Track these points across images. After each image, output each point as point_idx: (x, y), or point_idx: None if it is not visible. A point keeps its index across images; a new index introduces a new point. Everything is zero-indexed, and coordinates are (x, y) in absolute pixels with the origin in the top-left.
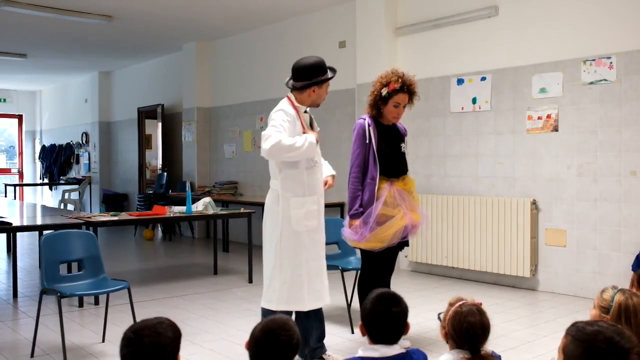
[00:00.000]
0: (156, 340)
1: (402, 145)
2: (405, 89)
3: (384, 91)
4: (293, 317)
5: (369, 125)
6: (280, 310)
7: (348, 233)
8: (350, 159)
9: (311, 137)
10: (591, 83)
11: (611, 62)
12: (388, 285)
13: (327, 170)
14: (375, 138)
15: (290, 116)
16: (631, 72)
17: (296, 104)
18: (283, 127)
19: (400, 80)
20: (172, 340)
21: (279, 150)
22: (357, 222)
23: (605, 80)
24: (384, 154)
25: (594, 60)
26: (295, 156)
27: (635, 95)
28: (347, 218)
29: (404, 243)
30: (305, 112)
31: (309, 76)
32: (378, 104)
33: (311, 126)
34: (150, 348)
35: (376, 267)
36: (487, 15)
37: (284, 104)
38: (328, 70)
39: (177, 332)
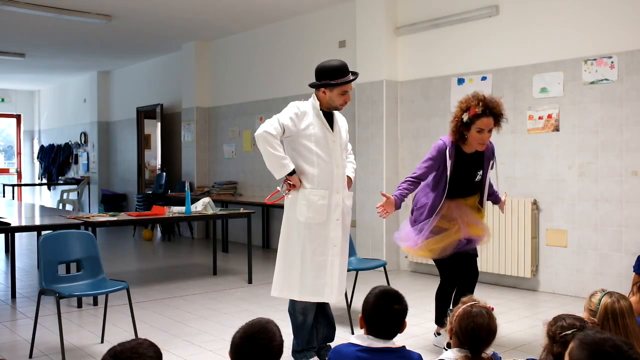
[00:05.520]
0: None
1: (479, 173)
2: (488, 112)
3: (465, 117)
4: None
5: (449, 155)
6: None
7: (400, 239)
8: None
9: (287, 170)
10: (592, 83)
11: (612, 62)
12: (472, 292)
13: (347, 170)
14: (451, 167)
15: (299, 110)
16: (632, 72)
17: (314, 101)
18: (278, 120)
19: (481, 104)
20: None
21: (263, 141)
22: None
23: (606, 80)
24: (454, 182)
25: (595, 59)
26: (264, 155)
27: (636, 95)
28: (405, 224)
29: (474, 254)
30: (324, 111)
31: (319, 78)
32: (461, 131)
33: (331, 125)
34: None
35: (450, 275)
36: (487, 15)
37: (309, 99)
38: (349, 76)
39: (158, 351)
